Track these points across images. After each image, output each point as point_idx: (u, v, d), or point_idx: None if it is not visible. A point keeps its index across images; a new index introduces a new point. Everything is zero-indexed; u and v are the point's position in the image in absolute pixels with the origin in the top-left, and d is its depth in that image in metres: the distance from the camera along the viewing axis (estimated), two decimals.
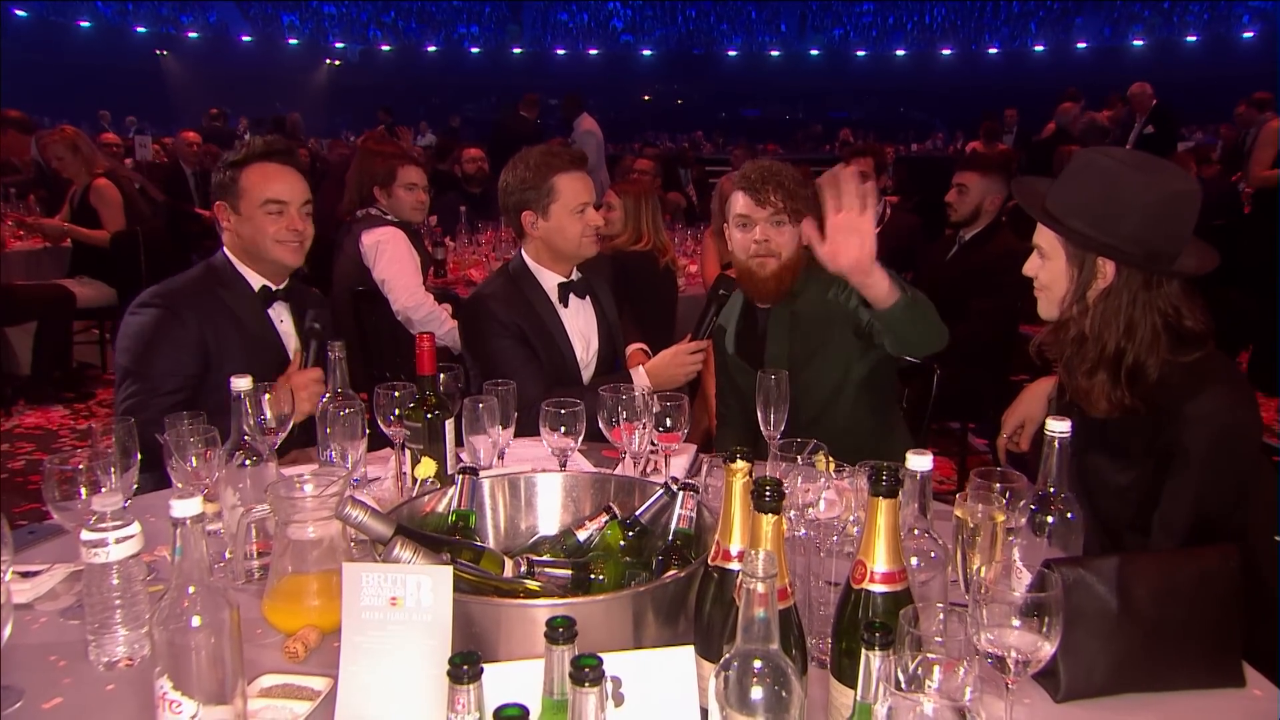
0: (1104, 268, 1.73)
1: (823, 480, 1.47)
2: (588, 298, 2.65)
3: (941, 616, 1.06)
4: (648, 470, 1.94)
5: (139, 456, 1.64)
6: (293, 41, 23.25)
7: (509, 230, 2.81)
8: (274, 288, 2.38)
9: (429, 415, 1.83)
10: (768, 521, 1.03)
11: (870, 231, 1.86)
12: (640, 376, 2.41)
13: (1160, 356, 1.68)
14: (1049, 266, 1.81)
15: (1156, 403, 1.68)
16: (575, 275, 2.61)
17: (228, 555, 1.59)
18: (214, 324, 2.25)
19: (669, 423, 1.85)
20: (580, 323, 2.61)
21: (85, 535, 1.30)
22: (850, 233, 1.86)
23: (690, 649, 1.09)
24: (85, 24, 20.78)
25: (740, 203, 2.38)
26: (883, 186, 5.19)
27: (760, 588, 0.90)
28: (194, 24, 22.23)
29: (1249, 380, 1.79)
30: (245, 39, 22.62)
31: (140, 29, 21.55)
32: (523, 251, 2.61)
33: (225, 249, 2.38)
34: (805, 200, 2.36)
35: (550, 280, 2.57)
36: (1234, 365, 1.77)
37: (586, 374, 2.61)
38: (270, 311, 2.37)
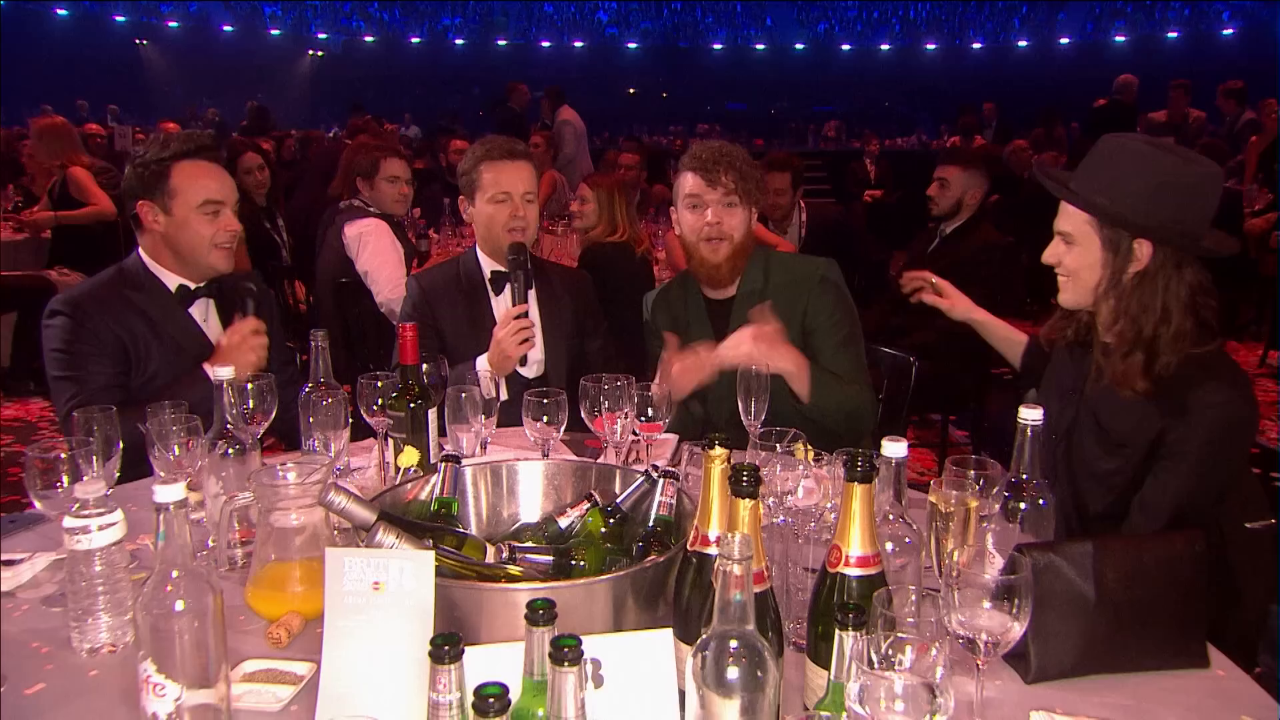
0: (1139, 251, 1.71)
1: (801, 468, 1.49)
2: (532, 297, 2.51)
3: (914, 599, 1.08)
4: (630, 459, 1.96)
5: (121, 445, 1.64)
6: (275, 32, 23.00)
7: None
8: (193, 285, 2.27)
9: (411, 405, 1.85)
10: (745, 506, 1.05)
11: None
12: (481, 364, 2.33)
13: (1185, 344, 1.68)
14: (1076, 252, 1.77)
15: (1162, 392, 1.69)
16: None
17: (210, 543, 1.60)
18: (127, 326, 2.16)
19: (651, 412, 1.88)
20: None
21: (68, 522, 1.30)
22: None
23: (669, 632, 1.11)
24: (62, 12, 20.46)
25: (690, 183, 2.31)
26: (797, 201, 4.87)
27: (736, 570, 0.92)
28: (174, 13, 21.95)
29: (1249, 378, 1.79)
30: (227, 29, 22.35)
31: (119, 18, 21.24)
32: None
33: (140, 250, 2.27)
34: (756, 182, 2.32)
35: (488, 266, 2.59)
36: (1236, 362, 1.77)
37: (526, 370, 2.54)
38: (192, 311, 2.27)
